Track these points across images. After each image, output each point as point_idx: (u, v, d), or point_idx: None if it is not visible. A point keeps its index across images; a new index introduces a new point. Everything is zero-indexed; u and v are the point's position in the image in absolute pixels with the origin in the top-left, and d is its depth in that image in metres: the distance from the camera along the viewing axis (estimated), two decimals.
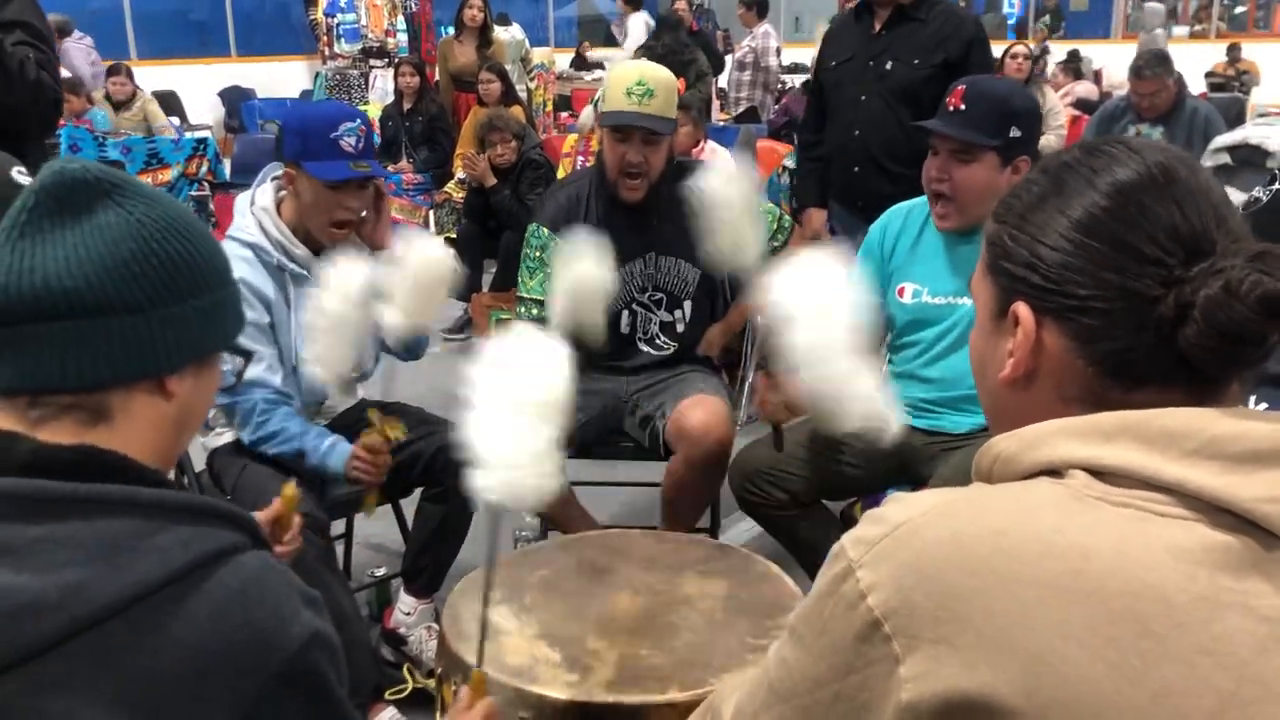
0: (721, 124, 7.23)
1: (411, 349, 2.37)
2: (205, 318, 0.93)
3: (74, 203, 0.88)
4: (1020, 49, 6.67)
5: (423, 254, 1.94)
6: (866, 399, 1.63)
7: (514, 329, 1.40)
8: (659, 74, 2.39)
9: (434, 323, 5.28)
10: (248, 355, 1.14)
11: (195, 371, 0.95)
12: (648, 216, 2.46)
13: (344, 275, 1.93)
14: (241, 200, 2.21)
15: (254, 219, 2.16)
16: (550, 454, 1.31)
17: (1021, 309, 0.81)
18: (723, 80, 8.59)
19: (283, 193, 2.19)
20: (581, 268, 1.88)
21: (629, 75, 2.37)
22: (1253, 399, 1.34)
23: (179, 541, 0.82)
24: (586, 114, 6.32)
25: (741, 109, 7.93)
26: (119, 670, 0.77)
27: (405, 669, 2.28)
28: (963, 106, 2.07)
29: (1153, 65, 4.38)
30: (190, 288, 0.92)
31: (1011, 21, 14.21)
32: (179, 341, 0.91)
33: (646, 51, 6.40)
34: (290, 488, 1.53)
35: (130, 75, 7.56)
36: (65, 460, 0.84)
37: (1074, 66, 9.50)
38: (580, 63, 11.24)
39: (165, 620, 0.79)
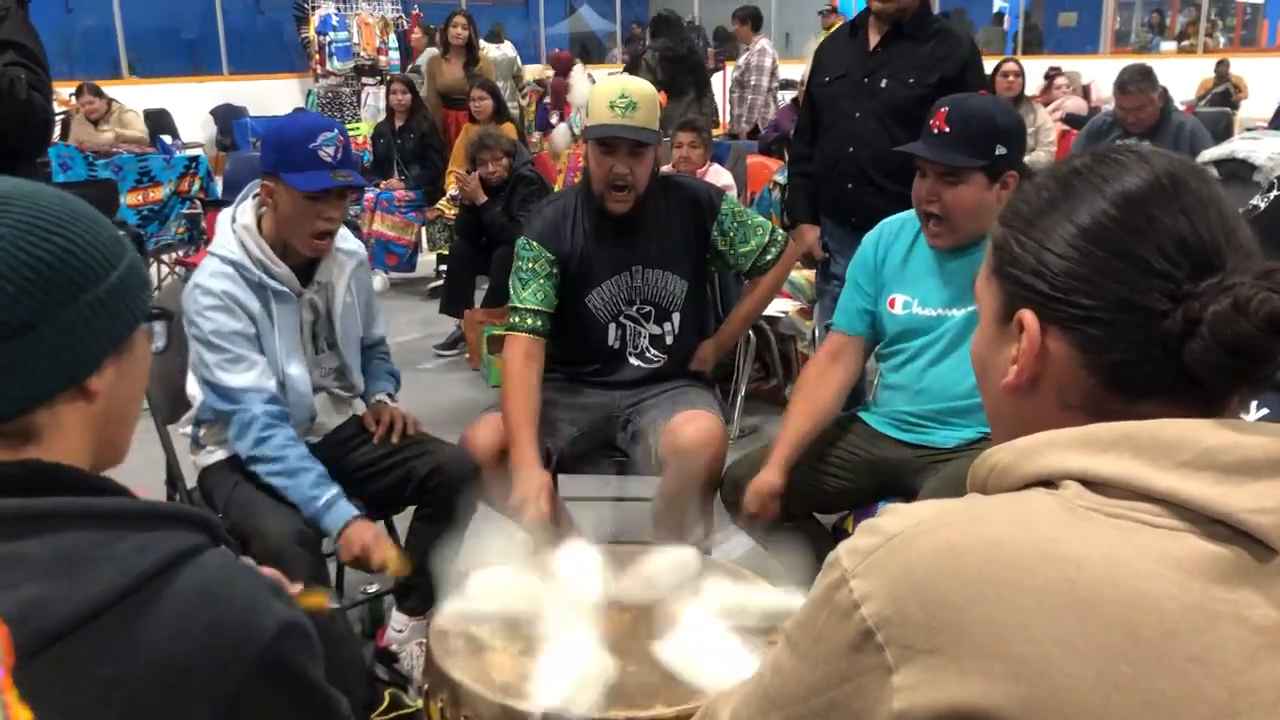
0: (716, 139, 7.25)
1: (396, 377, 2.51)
2: (105, 308, 0.87)
3: None
4: (1011, 66, 6.69)
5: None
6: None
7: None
8: (641, 87, 2.42)
9: (429, 341, 5.28)
10: (169, 316, 1.08)
11: (114, 361, 0.90)
12: (634, 229, 2.47)
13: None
14: (223, 217, 2.20)
15: (235, 237, 2.14)
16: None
17: (1027, 316, 0.80)
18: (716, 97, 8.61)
19: (263, 208, 2.17)
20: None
21: (612, 89, 2.38)
22: (1254, 404, 1.34)
23: (136, 548, 0.81)
24: (561, 134, 6.21)
25: (747, 128, 7.93)
26: (90, 681, 0.77)
27: (387, 694, 2.26)
28: (947, 129, 2.07)
29: (1136, 80, 4.40)
30: (78, 285, 0.85)
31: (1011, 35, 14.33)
32: (85, 343, 0.86)
33: (659, 51, 6.29)
34: (322, 599, 1.40)
35: (96, 91, 7.79)
36: (14, 477, 0.82)
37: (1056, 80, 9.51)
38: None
39: (132, 627, 0.78)
